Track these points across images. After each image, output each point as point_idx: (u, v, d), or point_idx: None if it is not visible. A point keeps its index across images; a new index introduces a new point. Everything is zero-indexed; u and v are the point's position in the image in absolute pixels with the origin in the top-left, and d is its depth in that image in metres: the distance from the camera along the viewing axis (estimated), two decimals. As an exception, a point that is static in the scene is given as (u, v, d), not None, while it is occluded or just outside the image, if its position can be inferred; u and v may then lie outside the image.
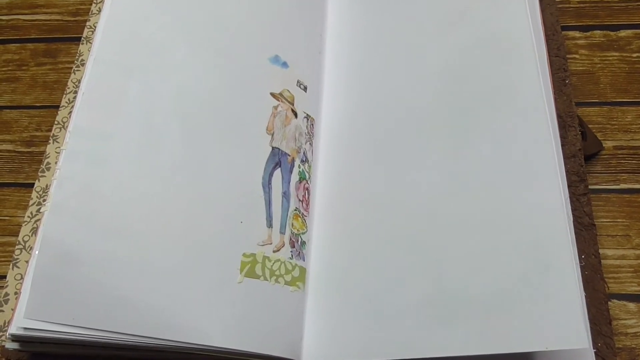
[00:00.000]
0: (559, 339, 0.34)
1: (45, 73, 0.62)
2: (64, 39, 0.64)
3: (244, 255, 0.42)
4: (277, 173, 0.46)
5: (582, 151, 0.47)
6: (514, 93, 0.43)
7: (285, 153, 0.47)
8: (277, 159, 0.46)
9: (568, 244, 0.37)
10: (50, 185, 0.43)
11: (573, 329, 0.34)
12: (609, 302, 0.44)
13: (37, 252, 0.37)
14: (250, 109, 0.47)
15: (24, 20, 0.66)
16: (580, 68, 0.57)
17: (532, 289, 0.37)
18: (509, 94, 0.43)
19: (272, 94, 0.48)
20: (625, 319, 0.46)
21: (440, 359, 0.38)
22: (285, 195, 0.45)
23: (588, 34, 0.59)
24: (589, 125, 0.53)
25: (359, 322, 0.42)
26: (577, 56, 0.58)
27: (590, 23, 0.59)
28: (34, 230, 0.43)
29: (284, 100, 0.49)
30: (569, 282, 0.36)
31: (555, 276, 0.36)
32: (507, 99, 0.43)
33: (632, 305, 0.46)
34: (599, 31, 0.59)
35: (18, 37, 0.65)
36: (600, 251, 0.46)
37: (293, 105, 0.49)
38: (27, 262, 0.41)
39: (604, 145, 0.52)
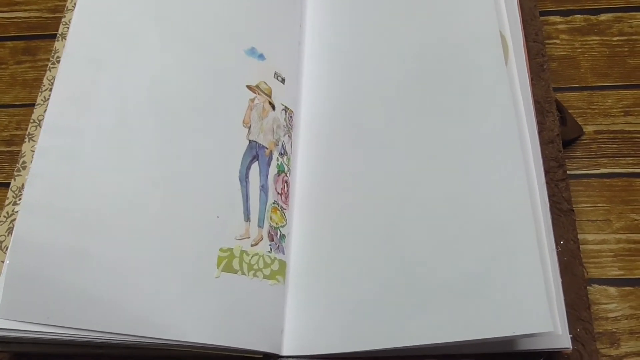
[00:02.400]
0: (525, 323, 0.34)
1: (25, 71, 0.62)
2: (44, 36, 0.64)
3: (221, 250, 0.41)
4: (255, 166, 0.46)
5: (559, 137, 0.47)
6: (481, 75, 0.43)
7: (263, 146, 0.47)
8: (255, 152, 0.46)
9: (532, 227, 0.36)
10: (25, 184, 0.43)
11: (538, 313, 0.34)
12: (590, 287, 0.44)
13: (10, 252, 0.37)
14: (226, 102, 0.46)
15: (3, 17, 0.65)
16: (561, 53, 0.57)
17: (498, 273, 0.36)
18: (478, 76, 0.43)
19: (249, 87, 0.48)
20: (606, 304, 0.46)
21: (417, 347, 0.38)
22: (263, 188, 0.45)
23: (569, 18, 0.58)
24: (570, 110, 0.53)
25: (338, 314, 0.42)
26: (557, 41, 0.57)
27: (571, 7, 0.59)
28: (10, 230, 0.43)
29: (260, 92, 0.48)
30: (534, 266, 0.35)
31: (521, 260, 0.36)
32: (475, 82, 0.43)
33: (612, 290, 0.46)
34: (579, 15, 0.58)
35: (-4, 35, 0.64)
36: (581, 236, 0.46)
37: (270, 97, 0.49)
38: (2, 262, 0.41)
39: (584, 130, 0.52)
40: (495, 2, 0.44)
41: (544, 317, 0.33)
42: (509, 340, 0.38)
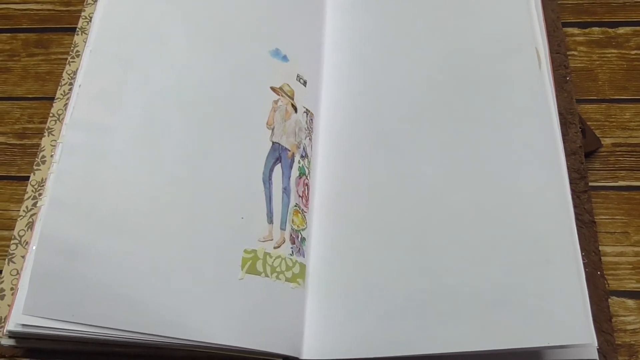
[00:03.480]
0: (563, 334, 0.34)
1: (37, 64, 0.61)
2: (56, 29, 0.63)
3: (245, 251, 0.41)
4: (277, 168, 0.45)
5: (582, 148, 0.47)
6: (515, 85, 0.43)
7: (286, 148, 0.46)
8: (278, 154, 0.46)
9: (570, 237, 0.37)
10: (46, 178, 0.42)
11: (577, 324, 0.34)
12: (609, 300, 0.44)
13: (34, 248, 0.36)
14: (251, 103, 0.46)
15: (15, 9, 0.64)
16: (579, 65, 0.57)
17: (534, 283, 0.36)
18: (511, 86, 0.43)
19: (273, 88, 0.48)
20: (624, 316, 0.46)
21: (441, 356, 0.38)
22: (286, 191, 0.45)
23: (587, 30, 0.59)
24: (588, 123, 0.53)
25: (360, 318, 0.41)
26: (575, 53, 0.57)
27: (589, 20, 0.59)
28: (30, 225, 0.42)
29: (284, 94, 0.48)
30: (571, 277, 0.35)
31: (556, 270, 0.36)
32: (508, 91, 0.43)
33: (631, 302, 0.46)
34: (597, 28, 0.59)
35: (9, 27, 0.63)
36: (600, 248, 0.46)
37: (293, 99, 0.49)
38: (23, 257, 0.40)
39: (602, 142, 0.53)
40: (527, 10, 0.44)
41: (582, 328, 0.33)
42: (536, 351, 0.38)
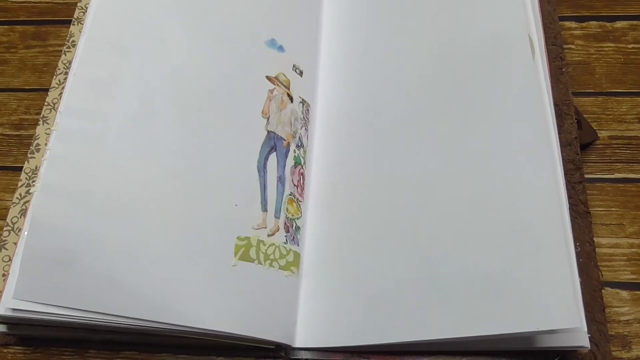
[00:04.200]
0: (551, 318, 0.34)
1: (35, 56, 0.61)
2: (54, 21, 0.63)
3: (239, 238, 0.41)
4: (273, 157, 0.45)
5: (577, 139, 0.47)
6: (508, 76, 0.43)
7: (281, 137, 0.46)
8: (273, 143, 0.46)
9: (560, 224, 0.36)
10: (40, 166, 0.42)
11: (565, 308, 0.34)
12: (603, 290, 0.44)
13: (26, 233, 0.36)
14: (246, 92, 0.46)
15: (13, 1, 0.64)
16: (576, 58, 0.57)
17: (523, 269, 0.36)
18: (504, 76, 0.43)
19: (268, 78, 0.48)
20: (618, 307, 0.46)
21: (433, 341, 0.38)
22: (281, 179, 0.45)
23: (584, 24, 0.59)
24: (584, 115, 0.53)
25: (352, 307, 0.41)
26: (572, 46, 0.57)
27: (586, 13, 0.59)
28: (23, 212, 0.42)
29: (279, 84, 0.48)
30: (560, 262, 0.35)
31: (547, 256, 0.36)
32: (501, 82, 0.43)
33: (624, 293, 0.46)
34: (594, 22, 0.59)
35: (7, 19, 0.63)
36: (595, 239, 0.46)
37: (289, 89, 0.49)
38: (15, 244, 0.40)
39: (598, 135, 0.52)
40: (522, 3, 0.44)
41: (570, 312, 0.33)
42: (527, 337, 0.38)
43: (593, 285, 0.42)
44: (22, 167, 0.44)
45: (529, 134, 0.40)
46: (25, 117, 0.58)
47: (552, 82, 0.48)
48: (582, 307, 0.36)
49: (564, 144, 0.46)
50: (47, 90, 0.48)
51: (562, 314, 0.33)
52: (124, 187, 0.39)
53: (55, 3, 0.64)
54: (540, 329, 0.33)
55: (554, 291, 0.34)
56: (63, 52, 0.50)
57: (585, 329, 0.35)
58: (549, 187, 0.37)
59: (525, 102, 0.41)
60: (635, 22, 0.58)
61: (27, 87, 0.59)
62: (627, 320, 0.45)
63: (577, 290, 0.36)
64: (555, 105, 0.47)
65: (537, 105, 0.41)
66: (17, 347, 0.43)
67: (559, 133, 0.46)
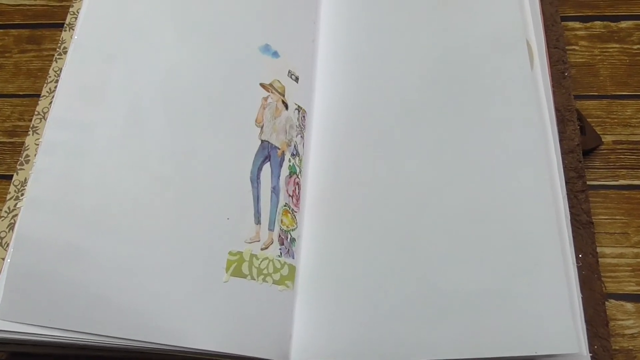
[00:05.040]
0: (548, 343, 0.33)
1: (29, 60, 0.60)
2: (49, 25, 0.62)
3: (230, 253, 0.40)
4: (267, 167, 0.44)
5: (580, 146, 0.46)
6: (506, 83, 0.42)
7: (275, 146, 0.45)
8: (267, 153, 0.45)
9: (557, 239, 0.35)
10: (28, 178, 0.41)
11: (562, 332, 0.33)
12: (606, 302, 0.43)
13: (12, 250, 0.35)
14: (239, 100, 0.45)
15: (7, 4, 0.64)
16: (580, 60, 0.55)
17: (521, 289, 0.35)
18: (502, 83, 0.42)
19: (262, 85, 0.47)
20: (623, 320, 0.45)
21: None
22: (275, 190, 0.44)
23: (588, 24, 0.57)
24: (588, 119, 0.51)
25: (350, 323, 0.40)
26: (576, 47, 0.56)
27: (590, 14, 0.58)
28: (11, 226, 0.41)
29: (274, 91, 0.47)
30: (557, 282, 0.34)
31: (544, 274, 0.35)
32: (500, 89, 0.42)
33: (629, 306, 0.45)
34: (599, 22, 0.57)
35: (1, 23, 0.62)
36: (598, 249, 0.45)
37: (284, 96, 0.47)
38: (3, 259, 0.39)
39: (603, 139, 0.51)
40: (520, 7, 0.43)
41: (568, 337, 0.32)
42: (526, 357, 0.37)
43: (596, 299, 0.41)
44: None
45: (527, 144, 0.39)
46: (19, 123, 0.57)
47: (553, 86, 0.46)
48: (582, 329, 0.35)
49: (566, 152, 0.45)
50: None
51: (561, 338, 0.32)
52: (112, 200, 0.38)
53: (51, 6, 0.63)
54: (539, 354, 0.32)
55: (551, 313, 0.33)
56: (54, 59, 0.49)
57: (586, 352, 0.34)
58: (547, 200, 0.36)
59: (523, 109, 0.40)
60: (640, 22, 0.57)
61: (21, 93, 0.59)
62: (632, 333, 0.44)
63: (577, 310, 0.35)
64: (557, 111, 0.46)
65: (535, 113, 0.39)
66: (9, 363, 0.43)
67: (561, 140, 0.45)
